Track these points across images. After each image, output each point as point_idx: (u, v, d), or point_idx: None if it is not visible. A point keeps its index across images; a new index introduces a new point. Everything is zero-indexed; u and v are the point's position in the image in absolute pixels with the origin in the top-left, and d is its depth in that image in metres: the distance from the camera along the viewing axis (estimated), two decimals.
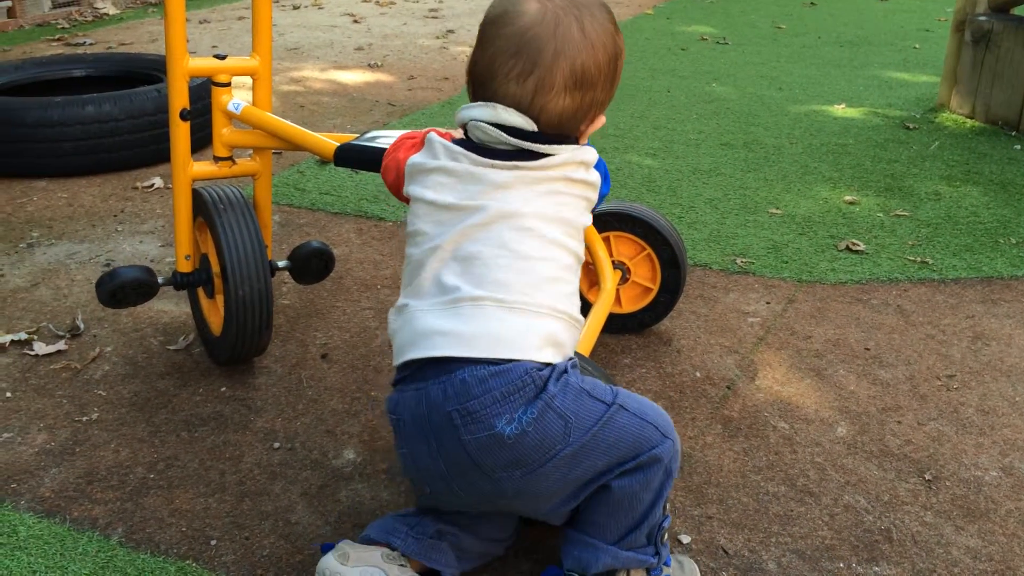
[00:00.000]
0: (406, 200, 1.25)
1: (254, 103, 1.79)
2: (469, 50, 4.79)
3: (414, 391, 1.13)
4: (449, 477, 1.14)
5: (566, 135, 1.18)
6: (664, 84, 4.05)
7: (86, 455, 1.57)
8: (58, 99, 2.81)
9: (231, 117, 1.76)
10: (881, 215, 2.61)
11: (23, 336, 1.94)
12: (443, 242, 1.15)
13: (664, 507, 1.21)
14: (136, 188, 2.80)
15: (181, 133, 1.70)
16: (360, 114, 3.62)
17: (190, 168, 1.74)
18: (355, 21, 5.61)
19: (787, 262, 2.32)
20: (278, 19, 5.65)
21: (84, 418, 1.67)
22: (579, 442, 1.11)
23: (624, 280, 1.91)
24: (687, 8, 5.96)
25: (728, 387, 1.79)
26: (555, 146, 1.16)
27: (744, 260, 2.33)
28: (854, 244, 2.40)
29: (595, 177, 1.21)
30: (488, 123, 1.15)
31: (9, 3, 5.30)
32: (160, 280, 1.81)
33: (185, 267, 1.82)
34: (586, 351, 1.47)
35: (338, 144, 1.61)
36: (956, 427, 1.67)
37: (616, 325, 1.94)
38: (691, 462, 1.56)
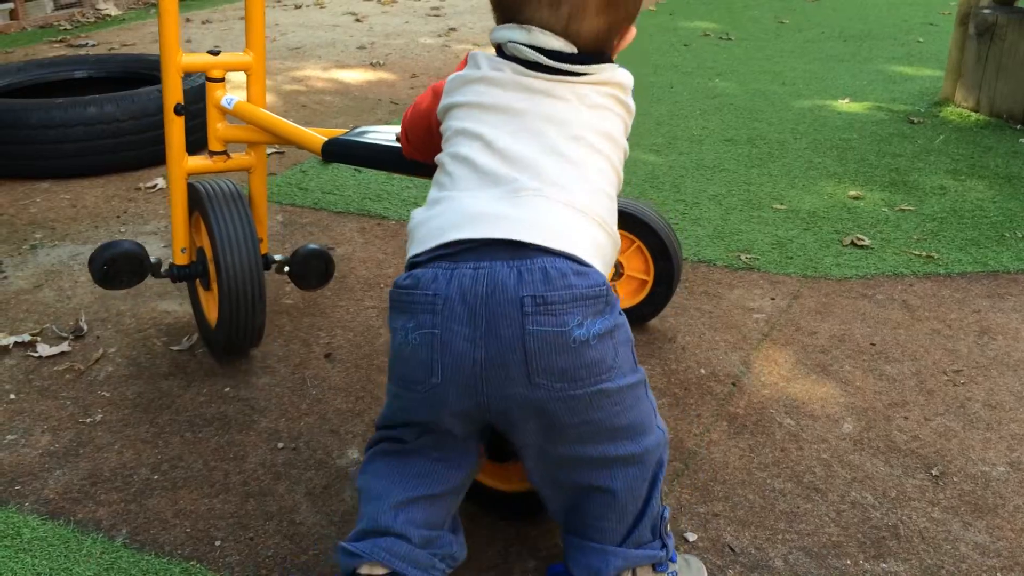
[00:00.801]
0: (436, 132, 1.20)
1: (248, 98, 1.80)
2: (472, 47, 4.79)
3: (472, 269, 1.04)
4: (481, 368, 1.04)
5: (602, 53, 1.15)
6: (667, 80, 4.04)
7: (90, 457, 1.56)
8: (60, 100, 2.81)
9: (224, 112, 1.77)
10: (886, 210, 2.60)
11: (27, 338, 1.94)
12: (490, 138, 1.10)
13: (660, 498, 1.19)
14: (139, 189, 2.80)
15: (176, 128, 1.73)
16: (363, 112, 3.62)
17: (185, 162, 1.76)
18: (357, 20, 5.61)
19: (792, 258, 2.31)
20: (280, 19, 5.65)
21: (88, 419, 1.67)
22: (615, 384, 1.08)
23: (619, 275, 1.91)
24: (690, 4, 5.95)
25: (733, 384, 1.78)
26: (595, 65, 1.13)
27: (749, 256, 2.32)
28: (859, 239, 2.39)
29: (633, 104, 1.19)
30: (526, 45, 1.11)
31: (11, 5, 5.30)
32: (152, 260, 1.83)
33: (181, 260, 1.84)
34: None
35: (326, 139, 1.61)
36: (963, 422, 1.66)
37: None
38: (696, 459, 1.55)
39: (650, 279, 1.90)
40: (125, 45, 4.86)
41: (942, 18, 5.30)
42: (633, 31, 1.20)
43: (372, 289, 2.18)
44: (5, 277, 2.24)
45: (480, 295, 1.03)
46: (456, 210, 1.08)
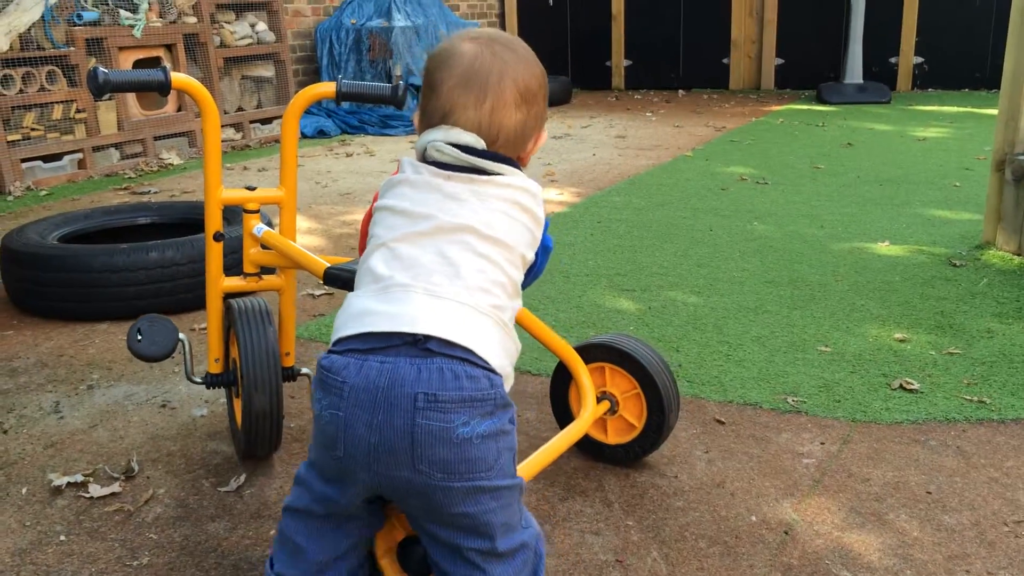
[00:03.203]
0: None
1: (280, 228, 1.99)
2: None
3: (379, 363, 1.16)
4: (377, 452, 1.17)
5: (512, 159, 1.31)
6: (706, 223, 4.12)
7: None
8: (123, 246, 2.94)
9: (256, 240, 1.95)
10: (933, 353, 2.58)
11: (79, 478, 1.97)
12: (387, 240, 1.26)
13: None
14: (193, 329, 2.89)
15: (215, 252, 1.94)
16: None
17: (222, 282, 1.96)
18: None
19: (840, 401, 2.29)
20: (333, 166, 5.90)
21: (135, 562, 1.67)
22: (492, 484, 1.19)
23: (613, 412, 1.96)
24: (725, 150, 6.12)
25: (786, 532, 1.74)
26: (504, 166, 1.29)
27: (795, 399, 2.30)
28: (908, 383, 2.37)
29: (541, 213, 1.31)
30: (443, 142, 1.27)
31: (80, 155, 5.62)
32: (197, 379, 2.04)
33: (215, 368, 2.03)
34: (533, 471, 1.62)
35: (328, 265, 1.72)
36: None
37: (604, 454, 2.00)
38: None
39: (640, 427, 1.95)
40: (185, 192, 5.10)
41: (977, 163, 5.38)
42: (545, 135, 1.37)
43: None
44: (62, 417, 2.29)
45: (381, 387, 1.15)
46: (343, 312, 1.25)
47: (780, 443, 2.09)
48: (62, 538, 1.75)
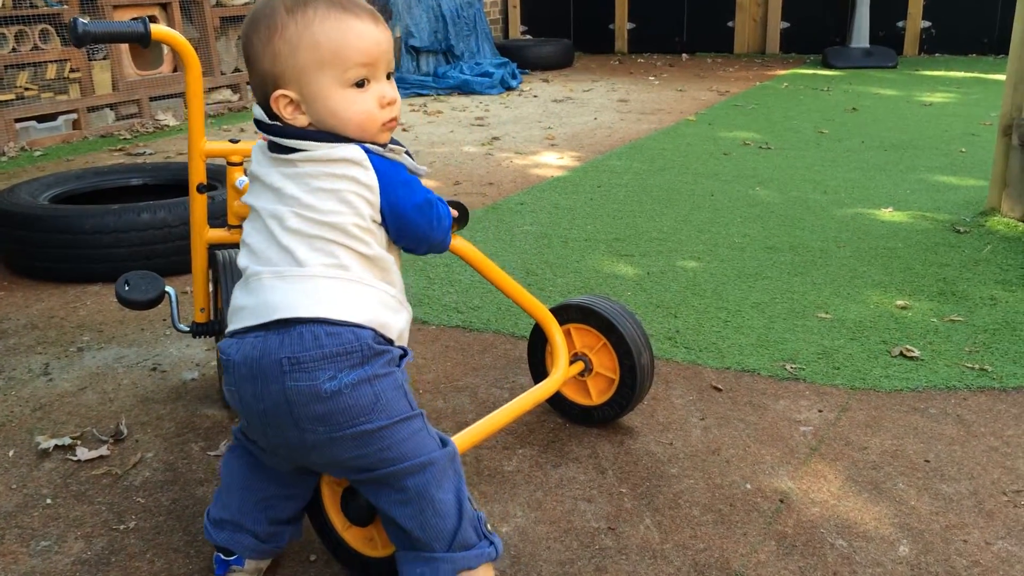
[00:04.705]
0: None
1: None
2: (514, 156, 4.90)
3: (253, 338, 1.26)
4: (266, 418, 1.27)
5: (319, 131, 1.30)
6: (707, 188, 4.07)
7: (121, 565, 1.54)
8: (115, 207, 2.90)
9: (239, 192, 1.96)
10: (935, 320, 2.54)
11: (68, 441, 1.94)
12: (244, 234, 1.35)
13: (472, 503, 1.34)
14: (186, 292, 2.85)
15: (199, 204, 1.95)
16: None
17: (206, 233, 1.97)
18: (404, 129, 5.77)
19: (839, 368, 2.26)
20: None
21: (122, 526, 1.65)
22: (375, 425, 1.25)
23: (588, 371, 1.94)
24: (729, 114, 6.04)
25: (781, 500, 1.71)
26: (298, 141, 1.28)
27: (794, 366, 2.27)
28: (908, 350, 2.34)
29: (365, 176, 1.28)
30: (256, 120, 1.35)
31: (75, 116, 5.55)
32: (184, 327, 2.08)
33: (200, 318, 2.05)
34: (490, 430, 1.61)
35: None
36: None
37: (594, 417, 1.98)
38: None
39: (617, 377, 1.91)
40: (180, 154, 5.04)
41: (984, 128, 5.31)
42: (336, 94, 1.29)
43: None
44: (51, 379, 2.27)
45: (255, 359, 1.25)
46: (230, 304, 1.35)
47: (777, 410, 2.06)
48: (48, 501, 1.73)
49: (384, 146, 1.34)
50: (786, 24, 9.33)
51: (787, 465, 1.84)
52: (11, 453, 1.92)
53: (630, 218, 3.62)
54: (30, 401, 2.15)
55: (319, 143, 1.28)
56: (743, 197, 3.92)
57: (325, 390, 1.22)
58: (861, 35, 8.33)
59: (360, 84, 1.30)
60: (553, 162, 4.72)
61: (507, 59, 8.19)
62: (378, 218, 1.32)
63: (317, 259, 1.26)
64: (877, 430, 1.97)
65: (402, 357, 1.33)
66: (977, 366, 2.25)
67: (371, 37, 1.30)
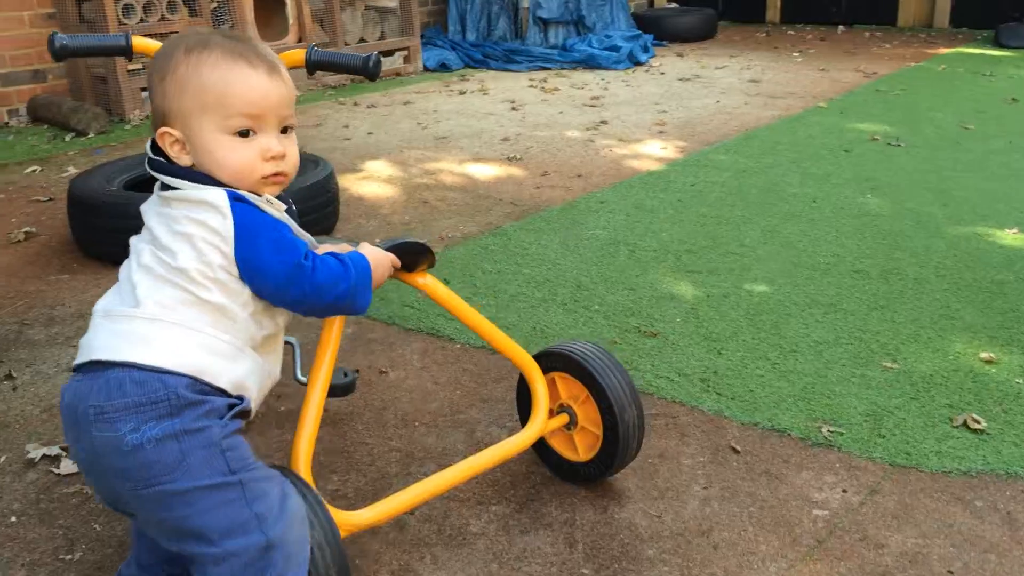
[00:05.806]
0: None
1: None
2: (615, 144, 4.67)
3: (76, 381, 1.21)
4: (85, 466, 1.23)
5: (198, 171, 1.25)
6: (811, 193, 3.72)
7: None
8: None
9: None
10: (1020, 381, 2.19)
11: (56, 451, 1.97)
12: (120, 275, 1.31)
13: None
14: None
15: None
16: (477, 214, 3.56)
17: None
18: (513, 108, 5.63)
19: (884, 437, 1.98)
20: (440, 105, 5.77)
21: (68, 556, 1.65)
22: (178, 487, 1.16)
23: (574, 425, 1.79)
24: (866, 101, 5.53)
25: None
26: (173, 179, 1.25)
27: (832, 429, 2.01)
28: (975, 420, 2.02)
29: (220, 224, 1.20)
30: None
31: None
32: None
33: None
34: (436, 491, 1.54)
35: None
36: None
37: (580, 475, 1.82)
38: None
39: (600, 433, 1.74)
40: None
41: None
42: (210, 137, 1.23)
43: (406, 427, 2.07)
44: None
45: (71, 406, 1.20)
46: None
47: (795, 485, 1.83)
48: (13, 519, 1.75)
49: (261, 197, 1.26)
50: None
51: (781, 560, 1.62)
52: (2, 459, 1.96)
53: (713, 226, 3.35)
54: (42, 401, 2.20)
55: (192, 184, 1.24)
56: (849, 206, 3.56)
57: (126, 443, 1.16)
58: None
59: (244, 134, 1.25)
60: (654, 152, 4.46)
61: (640, 31, 7.85)
62: (234, 270, 1.22)
63: (152, 299, 1.20)
64: (904, 523, 1.71)
65: (232, 407, 1.22)
66: None
67: (260, 89, 1.25)
